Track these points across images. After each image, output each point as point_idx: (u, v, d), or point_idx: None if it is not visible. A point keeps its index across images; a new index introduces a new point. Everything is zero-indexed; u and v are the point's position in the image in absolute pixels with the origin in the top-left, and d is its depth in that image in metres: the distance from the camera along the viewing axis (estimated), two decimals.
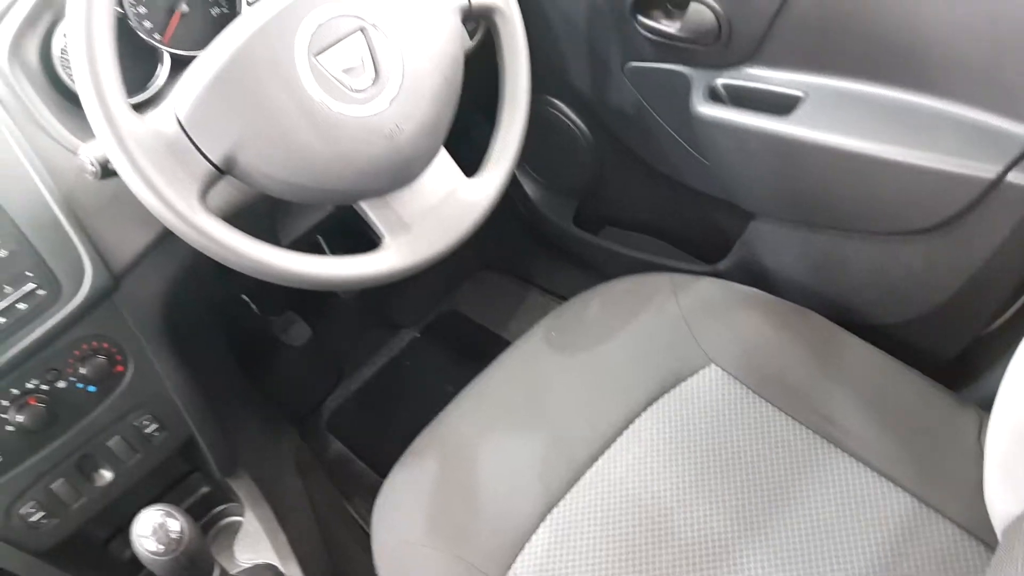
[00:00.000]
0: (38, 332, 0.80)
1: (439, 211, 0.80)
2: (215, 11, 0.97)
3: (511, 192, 0.88)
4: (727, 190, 1.10)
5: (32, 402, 0.84)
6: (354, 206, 0.79)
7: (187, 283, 0.96)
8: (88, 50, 0.63)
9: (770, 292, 1.02)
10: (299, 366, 1.55)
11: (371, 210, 0.78)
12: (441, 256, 0.81)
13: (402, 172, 0.78)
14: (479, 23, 1.00)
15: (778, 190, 1.00)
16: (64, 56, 0.86)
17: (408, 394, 1.56)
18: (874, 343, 0.94)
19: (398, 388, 1.58)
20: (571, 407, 0.94)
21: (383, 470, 0.95)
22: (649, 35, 1.01)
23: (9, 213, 0.76)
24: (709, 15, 0.93)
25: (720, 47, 0.96)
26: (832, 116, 0.89)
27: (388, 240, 0.79)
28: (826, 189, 0.94)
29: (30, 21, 0.80)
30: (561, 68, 1.21)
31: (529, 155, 0.88)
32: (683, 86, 1.02)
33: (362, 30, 0.72)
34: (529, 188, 1.46)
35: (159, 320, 0.94)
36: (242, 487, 1.10)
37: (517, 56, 0.85)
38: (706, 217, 1.23)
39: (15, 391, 0.84)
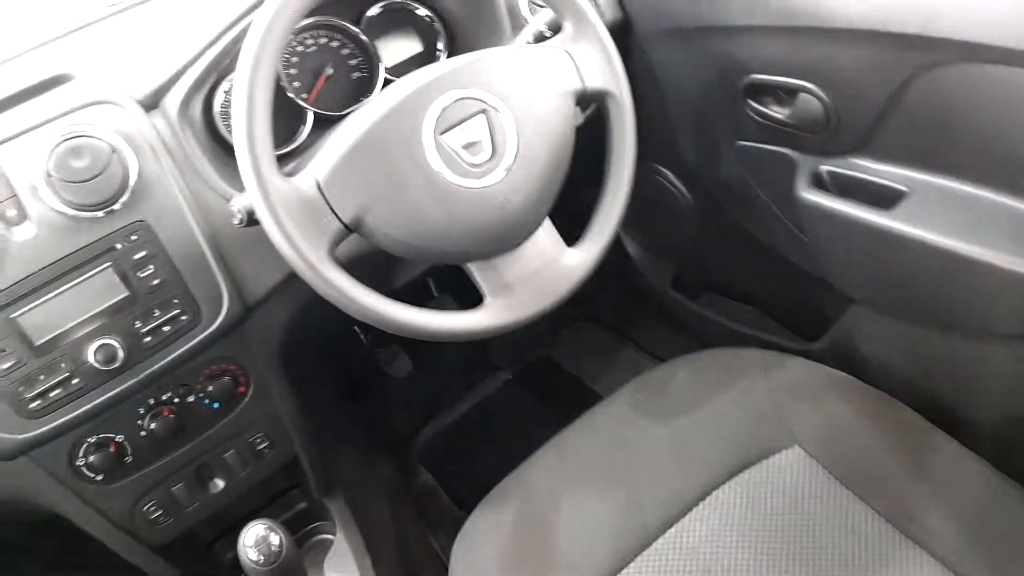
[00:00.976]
0: (178, 352, 0.91)
1: (539, 276, 0.86)
2: (356, 75, 1.08)
3: (613, 249, 0.93)
4: (827, 273, 1.11)
5: (165, 413, 0.95)
6: (462, 266, 0.86)
7: (306, 317, 1.05)
8: (248, 120, 0.73)
9: (863, 379, 1.02)
10: (399, 397, 1.63)
11: (477, 271, 0.85)
12: (537, 317, 0.86)
13: (508, 239, 0.85)
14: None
15: (878, 280, 1.00)
16: (223, 112, 0.99)
17: (497, 435, 1.62)
18: (966, 443, 0.93)
19: (488, 428, 1.64)
20: (651, 472, 0.97)
21: (466, 506, 1.01)
22: (759, 118, 1.05)
23: (166, 248, 0.87)
24: (818, 105, 0.96)
25: (827, 136, 0.98)
26: (936, 213, 0.89)
27: (490, 300, 0.85)
28: (927, 285, 0.94)
29: (198, 83, 0.92)
30: (670, 139, 1.25)
31: (632, 217, 0.92)
32: (789, 169, 1.05)
33: (484, 112, 0.80)
34: (631, 247, 1.50)
35: (279, 348, 1.03)
36: (336, 508, 1.18)
37: (625, 138, 0.90)
38: (805, 295, 1.24)
39: (151, 401, 0.95)
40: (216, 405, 1.00)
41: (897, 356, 1.07)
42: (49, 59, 1.12)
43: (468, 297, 0.88)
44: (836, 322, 1.16)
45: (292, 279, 0.98)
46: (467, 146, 0.79)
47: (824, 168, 1.01)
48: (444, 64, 0.83)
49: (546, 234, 0.88)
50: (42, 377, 0.84)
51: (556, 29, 0.93)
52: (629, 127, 0.90)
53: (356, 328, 1.55)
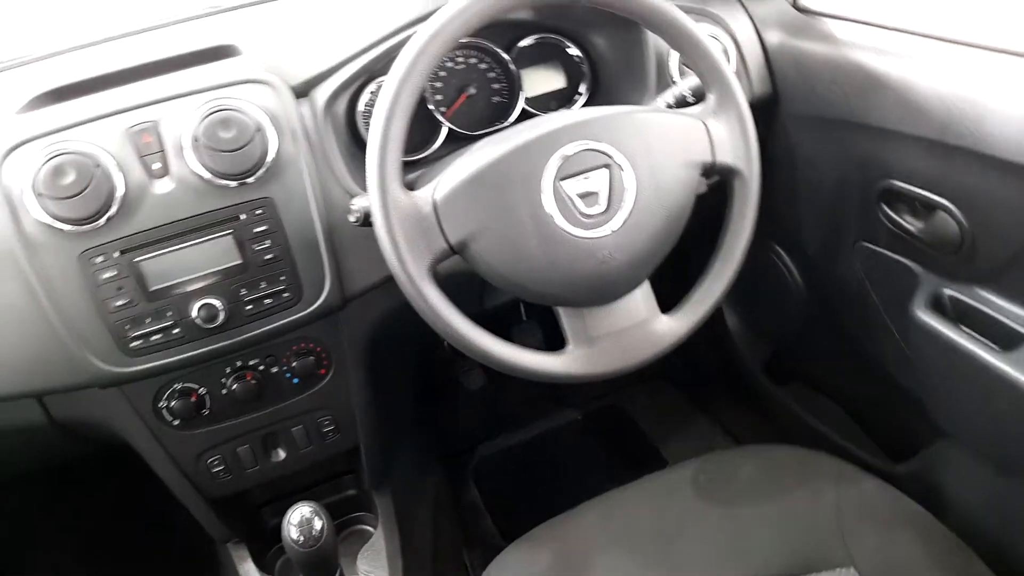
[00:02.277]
0: (273, 325, 0.95)
1: (626, 335, 0.86)
2: (495, 99, 1.11)
3: (711, 318, 0.91)
4: (926, 397, 1.05)
5: (248, 377, 1.01)
6: (552, 308, 0.87)
7: (396, 319, 1.08)
8: (384, 131, 0.77)
9: (939, 515, 0.96)
10: (466, 409, 1.66)
11: (565, 316, 0.86)
12: (614, 375, 0.86)
13: (603, 293, 0.85)
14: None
15: (979, 420, 0.95)
16: (365, 111, 1.03)
17: (551, 471, 1.61)
18: None
19: (544, 461, 1.64)
20: (696, 555, 0.94)
21: (506, 533, 1.01)
22: (889, 225, 1.01)
23: (285, 227, 0.92)
24: (954, 227, 0.92)
25: (958, 260, 0.94)
26: None
27: (571, 347, 0.86)
28: None
29: (349, 82, 0.97)
30: (794, 223, 1.22)
31: (739, 291, 0.91)
32: (910, 283, 1.01)
33: (608, 167, 0.80)
34: (730, 320, 1.47)
35: (365, 341, 1.07)
36: (382, 503, 1.21)
37: (744, 219, 0.88)
38: (897, 412, 1.18)
39: (238, 364, 1.00)
40: (296, 380, 1.04)
41: (981, 501, 1.01)
42: (220, 29, 1.20)
43: (555, 331, 0.88)
44: (923, 450, 1.10)
45: (390, 282, 1.01)
46: (584, 196, 0.80)
47: (947, 292, 0.96)
48: (581, 112, 0.84)
49: (642, 295, 0.87)
50: (148, 320, 0.90)
51: (699, 96, 0.93)
52: (751, 208, 0.88)
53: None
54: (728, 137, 0.86)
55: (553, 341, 0.89)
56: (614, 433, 1.68)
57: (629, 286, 0.86)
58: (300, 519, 0.84)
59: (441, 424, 1.62)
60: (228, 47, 1.04)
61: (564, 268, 0.80)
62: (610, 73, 1.12)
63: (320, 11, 1.23)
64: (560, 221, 0.79)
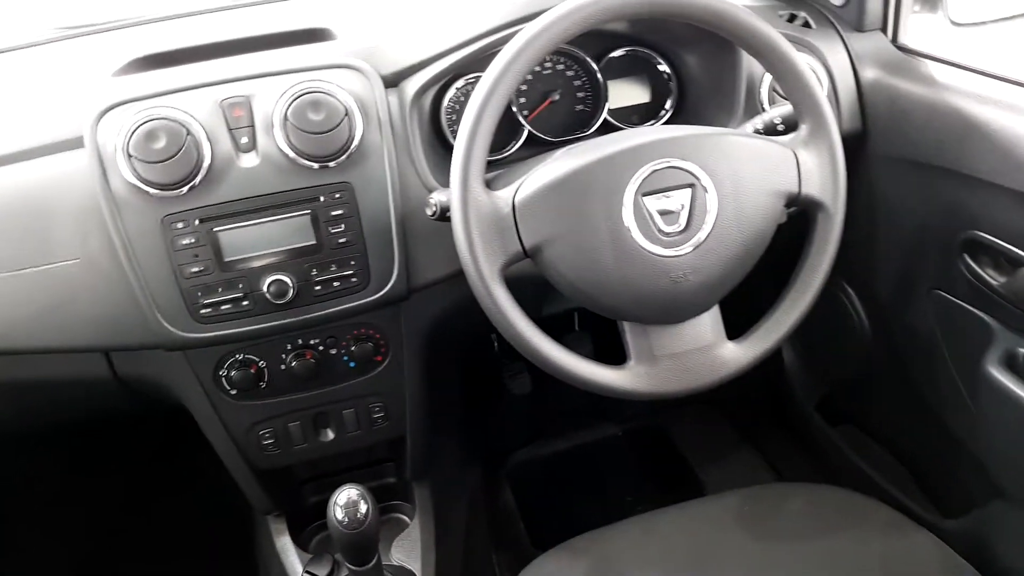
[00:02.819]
0: (337, 308, 0.97)
1: (689, 358, 0.85)
2: (578, 108, 1.11)
3: None
4: (987, 455, 1.02)
5: (308, 356, 1.02)
6: (617, 322, 0.87)
7: (456, 315, 1.09)
8: (472, 131, 0.78)
9: None
10: (509, 412, 1.66)
11: (629, 332, 0.85)
12: (673, 396, 0.85)
13: (672, 313, 0.84)
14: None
15: None
16: (450, 107, 1.04)
17: (588, 483, 1.61)
18: None
19: (582, 473, 1.63)
20: None
21: (536, 539, 1.01)
22: (969, 276, 0.98)
23: (361, 213, 0.94)
24: None
25: None
26: None
27: (633, 363, 0.85)
28: None
29: (440, 76, 0.98)
30: (867, 263, 1.20)
31: (800, 324, 0.89)
32: (984, 337, 0.98)
33: (692, 187, 0.80)
34: (786, 354, 1.45)
35: (423, 334, 1.08)
36: (421, 496, 1.21)
37: (824, 254, 0.87)
38: (955, 467, 1.15)
39: (299, 341, 1.02)
40: (352, 364, 1.06)
41: None
42: (315, 12, 1.23)
43: (606, 344, 0.88)
44: (979, 508, 1.06)
45: (456, 279, 1.02)
46: (664, 213, 0.80)
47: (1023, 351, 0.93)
48: (670, 129, 0.84)
49: (711, 319, 0.86)
50: (220, 290, 0.92)
51: (790, 125, 0.91)
52: (832, 244, 0.87)
53: (493, 336, 1.59)
54: (817, 169, 0.85)
55: (602, 354, 0.88)
56: (653, 453, 1.66)
57: (699, 309, 0.85)
58: (347, 501, 0.85)
59: (483, 425, 1.62)
60: (323, 30, 1.06)
61: (636, 283, 0.80)
62: (698, 92, 1.11)
63: (416, 3, 1.25)
64: (637, 236, 0.79)
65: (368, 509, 0.85)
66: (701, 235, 0.80)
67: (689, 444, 1.66)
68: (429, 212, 0.88)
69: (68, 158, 0.91)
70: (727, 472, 1.55)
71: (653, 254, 0.79)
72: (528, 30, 0.78)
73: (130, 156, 0.87)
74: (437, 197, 0.87)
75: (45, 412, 1.14)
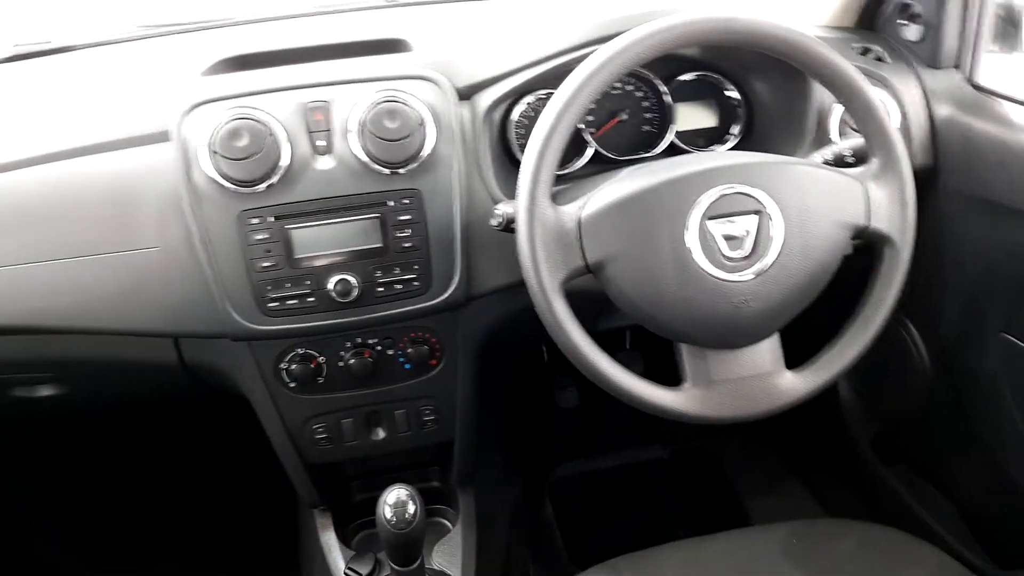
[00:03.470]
0: (398, 310, 0.99)
1: (746, 384, 0.85)
2: (645, 128, 1.12)
3: None
4: None
5: (366, 355, 1.05)
6: (674, 343, 0.87)
7: (510, 324, 1.11)
8: (543, 147, 0.79)
9: None
10: (555, 425, 1.66)
11: (687, 354, 0.86)
12: (726, 422, 0.85)
13: (731, 338, 0.84)
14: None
15: None
16: (520, 121, 1.06)
17: (631, 504, 1.60)
18: None
19: (625, 493, 1.62)
20: None
21: (574, 555, 1.01)
22: None
23: (427, 220, 0.96)
24: None
25: None
26: None
27: (688, 386, 0.85)
28: None
29: (513, 92, 1.00)
30: (933, 301, 1.17)
31: (860, 364, 0.88)
32: None
33: (759, 214, 0.80)
34: (842, 388, 1.42)
35: (478, 342, 1.10)
36: (464, 502, 1.23)
37: (890, 288, 0.86)
38: (1012, 516, 1.11)
39: (358, 340, 1.05)
40: (408, 366, 1.08)
41: None
42: (393, 23, 1.26)
43: (657, 365, 0.88)
44: None
45: (514, 289, 1.03)
46: (728, 238, 0.80)
47: None
48: (739, 155, 0.84)
49: (770, 347, 0.86)
50: (288, 285, 0.95)
51: (860, 158, 0.91)
52: (897, 279, 0.86)
53: (543, 347, 1.60)
54: (887, 204, 0.84)
55: (653, 375, 0.88)
56: (699, 478, 1.65)
57: (758, 335, 0.85)
58: (396, 500, 0.86)
59: (528, 436, 1.63)
60: (400, 41, 1.09)
61: (696, 306, 0.80)
62: (766, 120, 1.11)
63: (490, 18, 1.27)
64: (700, 259, 0.79)
65: (416, 510, 0.86)
66: (765, 262, 0.80)
67: (736, 472, 1.64)
68: (494, 223, 0.89)
69: (154, 151, 0.95)
70: (774, 503, 1.53)
71: (715, 278, 0.80)
72: (604, 51, 0.80)
73: (214, 152, 0.90)
74: (503, 209, 0.89)
75: (112, 392, 1.19)
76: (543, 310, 0.81)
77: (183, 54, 1.18)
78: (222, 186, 0.92)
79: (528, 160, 0.80)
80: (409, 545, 0.88)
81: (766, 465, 1.65)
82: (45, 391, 1.12)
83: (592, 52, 0.82)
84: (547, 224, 0.80)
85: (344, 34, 1.17)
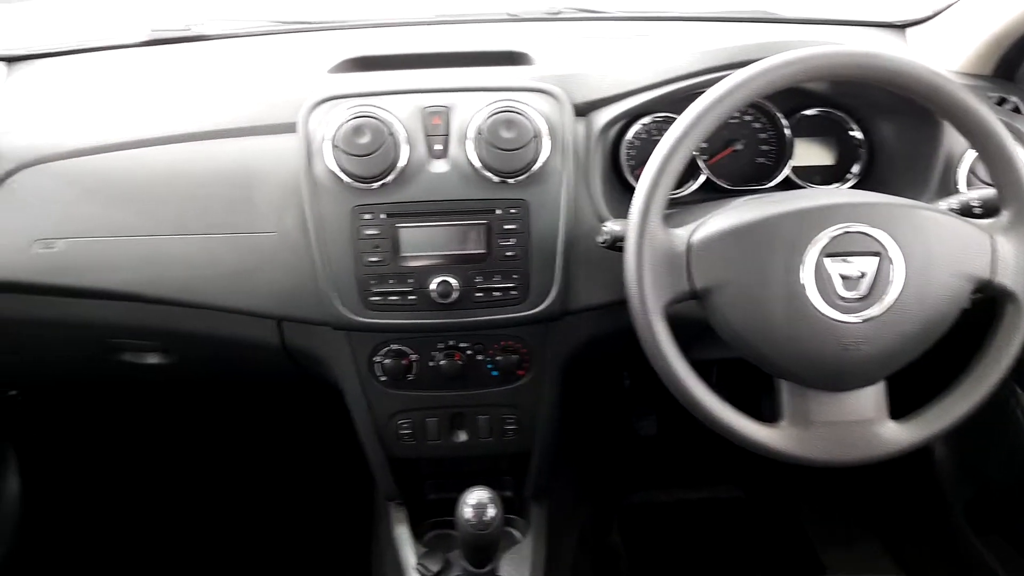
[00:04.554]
0: (494, 316, 1.00)
1: (846, 429, 0.83)
2: (759, 160, 1.11)
3: None
4: None
5: (456, 357, 1.06)
6: (775, 378, 0.85)
7: (602, 344, 1.11)
8: (660, 169, 0.80)
9: None
10: (631, 453, 1.64)
11: (787, 391, 0.84)
12: (824, 465, 0.83)
13: (836, 380, 0.82)
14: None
15: None
16: (630, 144, 1.06)
17: (701, 540, 1.56)
18: None
19: (696, 528, 1.59)
20: None
21: None
22: None
23: (531, 231, 0.97)
24: None
25: None
26: None
27: (785, 424, 0.83)
28: None
29: (630, 112, 1.00)
30: None
31: (963, 424, 0.85)
32: None
33: (879, 256, 0.78)
34: (938, 446, 1.36)
35: (567, 357, 1.10)
36: (536, 516, 1.22)
37: (1008, 347, 0.82)
38: None
39: (451, 342, 1.06)
40: (495, 373, 1.09)
41: None
42: (514, 36, 1.28)
43: (743, 401, 0.86)
44: None
45: (610, 308, 1.03)
46: (844, 278, 0.78)
47: None
48: (863, 194, 0.82)
49: (874, 394, 0.83)
50: (391, 282, 0.98)
51: (989, 209, 0.87)
52: (1017, 339, 0.82)
53: (625, 372, 1.59)
54: (1014, 259, 0.81)
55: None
56: (773, 522, 1.60)
57: (865, 380, 0.82)
58: (477, 501, 0.87)
59: (602, 459, 1.62)
60: (521, 54, 1.11)
61: (804, 343, 0.79)
62: (888, 163, 1.08)
63: (608, 37, 1.28)
64: (813, 295, 0.78)
65: (496, 514, 0.87)
66: (881, 306, 0.78)
67: (813, 520, 1.58)
68: (600, 239, 0.90)
69: (280, 140, 1.00)
70: (850, 559, 1.47)
71: (827, 317, 0.78)
72: (735, 78, 0.79)
73: (336, 147, 0.94)
74: (611, 226, 0.89)
75: (213, 367, 1.24)
76: (644, 331, 0.80)
77: (310, 51, 1.23)
78: (340, 180, 0.95)
79: (645, 179, 0.80)
80: (485, 548, 0.88)
81: (846, 517, 1.59)
82: (152, 359, 1.18)
83: (719, 77, 0.81)
84: (657, 245, 0.80)
85: (465, 43, 1.20)
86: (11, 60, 1.26)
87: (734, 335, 0.82)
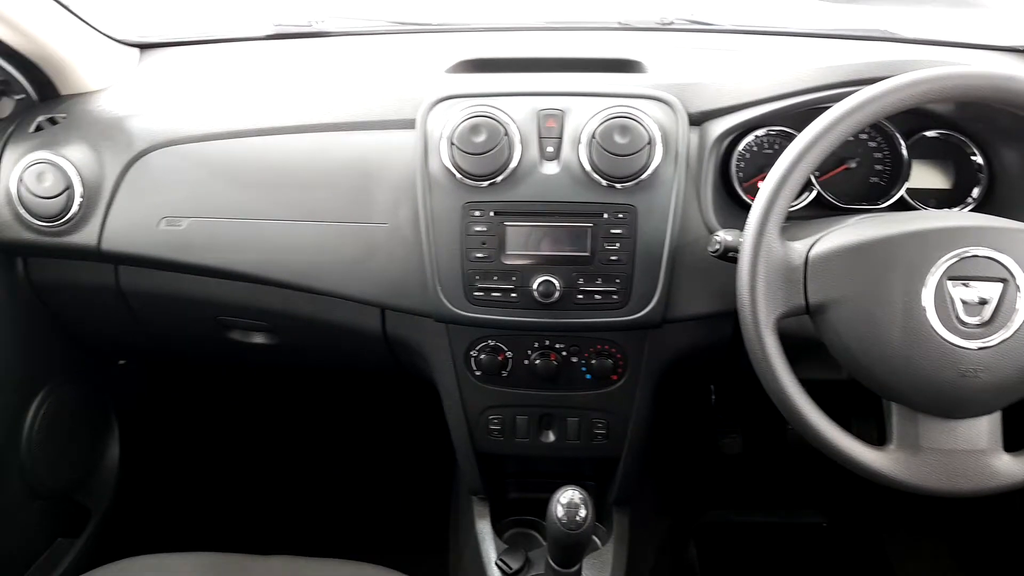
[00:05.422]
0: (593, 319, 1.01)
1: (958, 458, 0.80)
2: (872, 180, 1.08)
3: None
4: None
5: (551, 357, 1.07)
6: (884, 401, 0.83)
7: (699, 355, 1.10)
8: (782, 181, 0.79)
9: None
10: (714, 470, 1.62)
11: (897, 415, 0.82)
12: (931, 494, 0.80)
13: (950, 407, 0.79)
14: None
15: None
16: (740, 156, 1.05)
17: (779, 564, 1.53)
18: None
19: (775, 552, 1.56)
20: None
21: None
22: None
23: (637, 237, 0.98)
24: None
25: None
26: None
27: (893, 448, 0.81)
28: None
29: (745, 125, 1.00)
30: None
31: None
32: None
33: (1003, 282, 0.75)
34: None
35: (663, 366, 1.10)
36: (619, 523, 1.22)
37: None
38: None
39: (547, 342, 1.08)
40: (589, 376, 1.09)
41: None
42: (627, 44, 1.29)
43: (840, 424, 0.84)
44: None
45: (711, 320, 1.03)
46: (966, 303, 0.76)
47: None
48: (990, 218, 0.80)
49: (989, 424, 0.80)
50: (495, 278, 1.00)
51: None
52: None
53: (712, 387, 1.57)
54: None
55: None
56: (855, 554, 1.55)
57: (980, 409, 0.80)
58: (569, 501, 0.88)
59: (683, 474, 1.60)
60: (634, 62, 1.12)
61: (919, 367, 0.77)
62: (1010, 189, 1.04)
63: (718, 48, 1.28)
64: (932, 319, 0.76)
65: (587, 515, 0.87)
66: (1003, 334, 0.76)
67: (899, 556, 1.53)
68: (711, 249, 0.89)
69: (398, 135, 1.03)
70: None
71: (946, 342, 0.76)
72: (864, 94, 0.78)
73: (452, 144, 0.96)
74: (723, 236, 0.88)
75: (315, 350, 1.28)
76: (753, 343, 0.80)
77: (427, 52, 1.27)
78: (453, 176, 0.98)
79: (765, 190, 0.80)
80: (574, 547, 0.89)
81: (934, 556, 1.52)
82: (257, 339, 1.23)
83: (842, 93, 0.80)
84: (773, 258, 0.79)
85: (576, 50, 1.22)
86: (144, 47, 1.34)
87: (847, 353, 0.80)
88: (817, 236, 0.81)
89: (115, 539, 1.45)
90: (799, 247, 0.80)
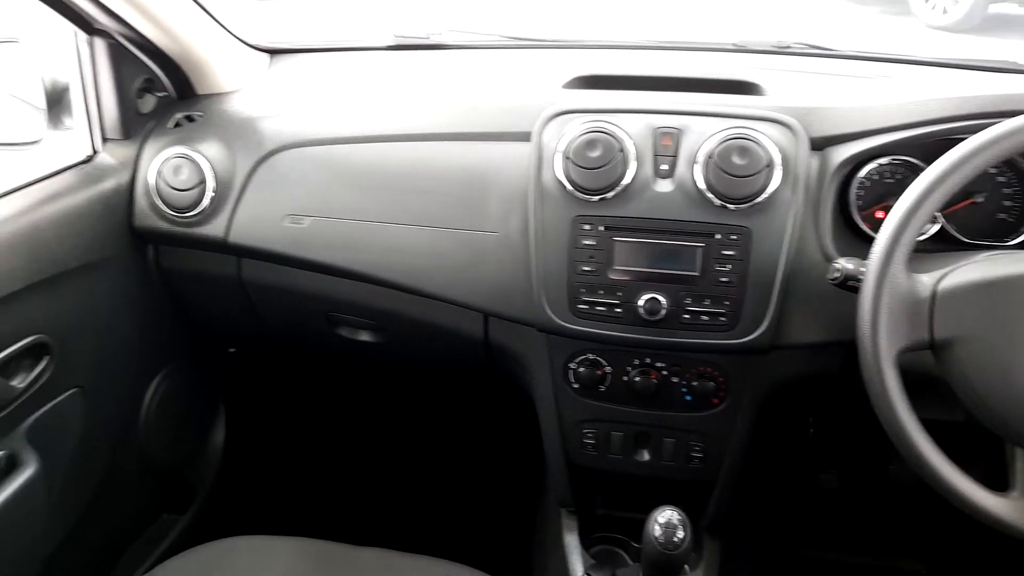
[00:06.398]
0: (698, 340, 1.00)
1: None
2: (999, 216, 1.04)
3: None
4: None
5: (652, 376, 1.07)
6: (1008, 446, 0.80)
7: (804, 384, 1.07)
8: (911, 210, 0.77)
9: None
10: (809, 505, 1.57)
11: (1022, 460, 0.78)
12: None
13: None
14: None
15: None
16: (861, 184, 1.02)
17: None
18: None
19: None
20: None
21: None
22: None
23: (750, 260, 0.96)
24: None
25: None
26: None
27: (1017, 495, 0.78)
28: None
29: (869, 152, 0.97)
30: None
31: None
32: None
33: None
34: None
35: (767, 393, 1.08)
36: (710, 551, 1.19)
37: None
38: None
39: (648, 360, 1.07)
40: (689, 398, 1.08)
41: None
42: (745, 66, 1.28)
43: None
44: None
45: (822, 349, 1.01)
46: None
47: None
48: None
49: None
50: (600, 292, 1.00)
51: None
52: None
53: (810, 419, 1.53)
54: None
55: None
56: None
57: None
58: (667, 521, 0.87)
59: (778, 506, 1.56)
60: (753, 84, 1.11)
61: None
62: None
63: (838, 76, 1.25)
64: None
65: (685, 536, 0.86)
66: None
67: None
68: (830, 276, 0.87)
69: (514, 147, 1.05)
70: None
71: None
72: (1003, 127, 0.76)
73: (567, 158, 0.98)
74: (843, 264, 0.86)
75: (418, 351, 1.31)
76: (872, 376, 0.77)
77: (543, 67, 1.29)
78: (565, 189, 0.99)
79: (893, 219, 0.78)
80: (669, 568, 0.88)
81: None
82: (364, 336, 1.27)
83: (975, 126, 0.78)
84: (897, 290, 0.77)
85: (691, 70, 1.22)
86: (274, 52, 1.41)
87: (971, 392, 0.77)
88: (945, 270, 0.78)
89: (217, 519, 1.52)
90: (926, 280, 0.78)
